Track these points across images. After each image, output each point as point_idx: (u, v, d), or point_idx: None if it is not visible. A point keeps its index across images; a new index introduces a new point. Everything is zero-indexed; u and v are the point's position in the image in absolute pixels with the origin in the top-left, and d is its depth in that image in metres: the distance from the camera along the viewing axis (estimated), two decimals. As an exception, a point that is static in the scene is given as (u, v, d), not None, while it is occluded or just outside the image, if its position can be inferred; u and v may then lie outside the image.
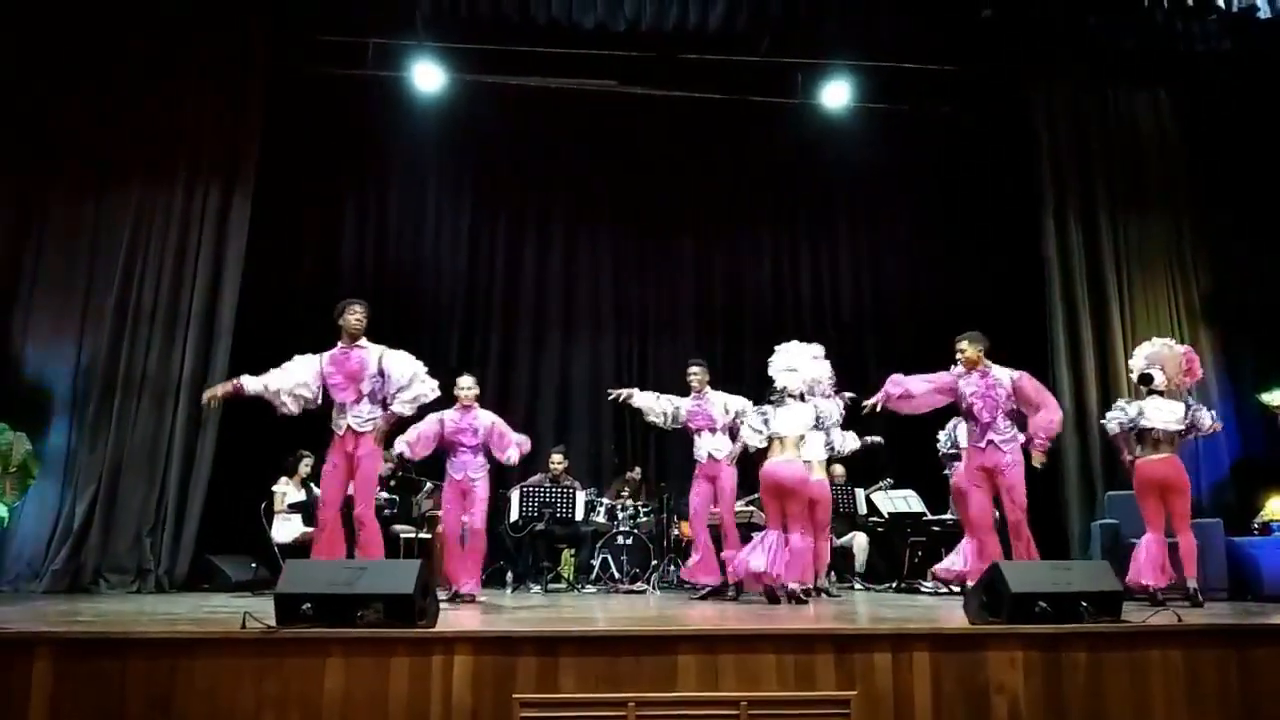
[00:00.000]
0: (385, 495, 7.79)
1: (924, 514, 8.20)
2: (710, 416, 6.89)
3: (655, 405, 7.11)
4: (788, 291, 10.37)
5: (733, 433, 6.74)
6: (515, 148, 10.00)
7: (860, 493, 8.43)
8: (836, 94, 9.29)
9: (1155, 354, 6.43)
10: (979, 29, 8.84)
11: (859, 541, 8.43)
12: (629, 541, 8.00)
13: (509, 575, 7.95)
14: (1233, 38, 8.81)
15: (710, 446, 6.87)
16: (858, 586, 8.18)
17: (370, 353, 5.56)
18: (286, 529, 7.51)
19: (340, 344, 5.62)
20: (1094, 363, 8.44)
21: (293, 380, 5.51)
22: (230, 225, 8.20)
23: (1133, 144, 9.08)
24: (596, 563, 7.91)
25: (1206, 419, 6.27)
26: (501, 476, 9.09)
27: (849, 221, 10.54)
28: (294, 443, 8.30)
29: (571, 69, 9.21)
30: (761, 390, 10.17)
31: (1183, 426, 6.20)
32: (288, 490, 7.63)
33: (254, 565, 7.43)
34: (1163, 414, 6.20)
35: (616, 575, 7.73)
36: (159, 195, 8.12)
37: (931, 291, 10.29)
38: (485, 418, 6.59)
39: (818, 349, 6.56)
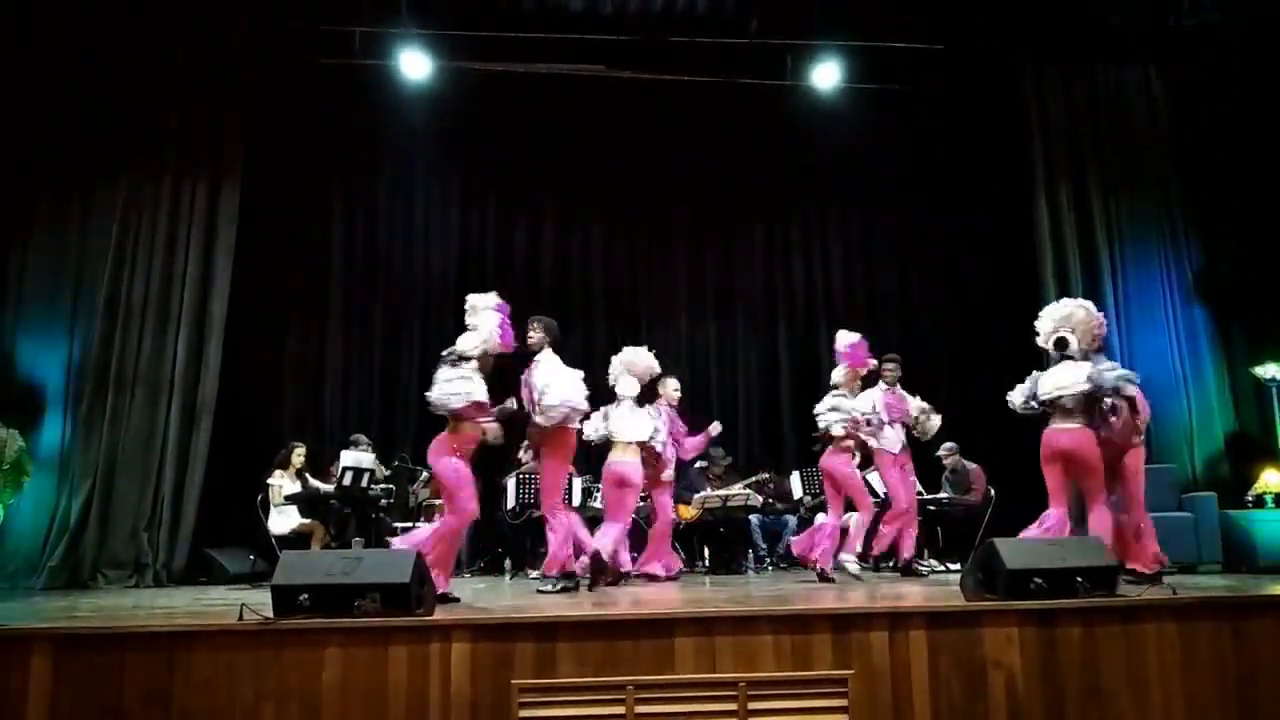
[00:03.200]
0: (380, 486, 7.79)
1: (920, 494, 8.21)
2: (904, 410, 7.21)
3: None
4: (780, 274, 10.34)
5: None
6: (504, 134, 9.92)
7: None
8: (826, 75, 9.21)
9: (1067, 315, 5.74)
10: (969, 6, 8.80)
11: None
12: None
13: (507, 562, 7.99)
14: (1221, 10, 8.79)
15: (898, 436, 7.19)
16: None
17: None
18: (283, 521, 7.51)
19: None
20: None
21: None
22: (220, 217, 8.18)
23: (1123, 121, 9.05)
24: (595, 548, 7.90)
25: (1109, 377, 5.44)
26: (497, 464, 9.11)
27: (841, 203, 10.50)
28: (287, 435, 8.32)
29: (559, 54, 9.14)
30: (752, 374, 10.17)
31: (1088, 387, 5.45)
32: (283, 482, 7.62)
33: (251, 557, 7.43)
34: (1056, 380, 5.55)
35: (615, 560, 7.72)
36: (146, 188, 8.09)
37: (924, 272, 10.30)
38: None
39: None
